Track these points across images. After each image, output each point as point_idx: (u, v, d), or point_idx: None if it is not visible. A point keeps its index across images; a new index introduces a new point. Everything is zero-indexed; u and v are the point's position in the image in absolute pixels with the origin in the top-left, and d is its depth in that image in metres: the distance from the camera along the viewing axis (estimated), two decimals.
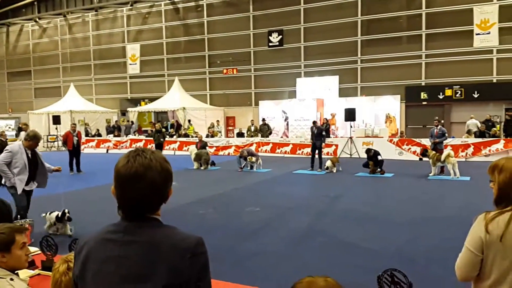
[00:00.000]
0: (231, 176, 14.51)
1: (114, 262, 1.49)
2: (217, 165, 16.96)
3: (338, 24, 25.30)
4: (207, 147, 17.96)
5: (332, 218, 8.23)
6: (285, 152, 20.55)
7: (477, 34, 22.24)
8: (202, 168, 16.31)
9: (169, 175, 1.59)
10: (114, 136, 25.81)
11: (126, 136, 25.53)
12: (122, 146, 24.21)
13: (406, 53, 23.94)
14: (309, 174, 14.62)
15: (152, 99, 28.72)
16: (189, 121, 25.28)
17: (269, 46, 27.35)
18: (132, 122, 27.50)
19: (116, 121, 28.86)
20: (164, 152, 19.57)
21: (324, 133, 16.13)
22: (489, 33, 22.02)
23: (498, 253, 2.01)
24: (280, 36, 26.98)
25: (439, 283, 4.75)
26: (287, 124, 24.97)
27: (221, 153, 21.70)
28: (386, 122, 23.02)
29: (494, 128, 19.80)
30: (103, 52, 32.97)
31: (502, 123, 20.63)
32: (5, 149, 6.83)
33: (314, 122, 16.31)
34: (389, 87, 24.14)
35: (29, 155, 6.88)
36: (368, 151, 14.51)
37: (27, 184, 6.88)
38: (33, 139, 6.88)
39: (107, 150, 24.71)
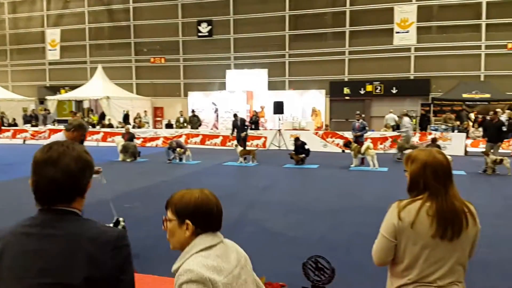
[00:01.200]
0: (160, 168, 14.24)
1: (31, 256, 1.45)
2: (145, 157, 16.54)
3: (267, 17, 25.63)
4: (134, 139, 17.44)
5: (260, 208, 8.39)
6: (215, 144, 20.52)
7: (397, 33, 23.62)
8: (128, 160, 15.81)
9: (86, 164, 1.57)
10: (32, 126, 24.21)
11: (45, 126, 24.05)
12: (40, 137, 22.75)
13: (331, 49, 24.84)
14: (238, 166, 14.74)
15: (73, 87, 27.24)
16: (91, 110, 24.48)
17: (199, 36, 27.06)
18: (49, 111, 25.91)
19: (33, 110, 27.07)
20: (87, 143, 18.71)
21: (246, 123, 16.44)
22: (408, 31, 23.48)
23: (409, 239, 2.15)
24: (210, 27, 26.78)
25: (359, 268, 5.04)
26: (217, 116, 24.93)
27: (148, 144, 21.17)
28: (312, 116, 23.79)
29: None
30: (20, 36, 30.69)
31: (418, 118, 22.20)
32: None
33: (235, 115, 16.60)
34: (315, 81, 24.95)
35: None
36: (296, 139, 15.05)
37: None
38: (77, 129, 5.42)
39: (24, 141, 23.14)
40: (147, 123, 24.29)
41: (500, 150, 13.84)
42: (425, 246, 2.13)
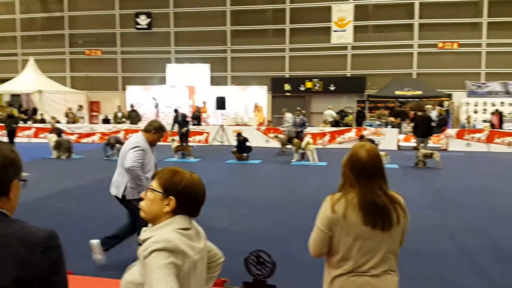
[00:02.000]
0: (97, 165, 13.70)
1: None
2: (81, 154, 15.84)
3: (208, 12, 25.40)
4: (62, 134, 16.66)
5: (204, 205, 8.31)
6: None
7: (334, 31, 24.29)
8: (63, 157, 15.08)
9: (9, 162, 1.49)
10: None
11: None
12: None
13: (272, 46, 25.08)
14: (180, 162, 14.52)
15: (2, 81, 25.48)
16: (11, 105, 23.32)
17: (137, 29, 26.28)
18: None
19: None
20: (18, 140, 17.63)
21: (188, 119, 16.33)
22: (345, 30, 24.22)
23: (343, 231, 2.22)
24: (149, 19, 26.09)
25: (300, 260, 5.14)
26: (158, 111, 24.36)
27: (84, 140, 20.31)
28: (254, 111, 23.94)
29: (347, 118, 21.98)
30: None
31: (355, 114, 23.03)
32: (135, 144, 4.86)
33: (176, 110, 16.42)
34: (257, 77, 25.11)
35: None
36: (238, 134, 15.09)
37: None
38: (159, 131, 5.03)
39: None
40: (82, 118, 23.30)
41: (431, 145, 14.68)
42: (357, 237, 2.20)
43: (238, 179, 11.66)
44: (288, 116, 17.34)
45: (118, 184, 4.94)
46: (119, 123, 21.52)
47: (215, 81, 25.25)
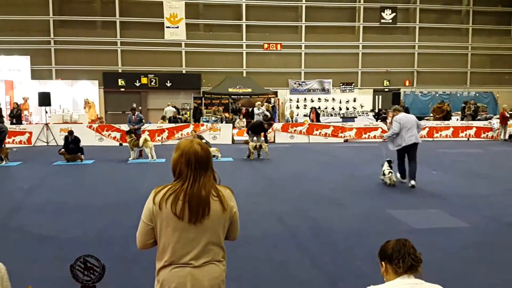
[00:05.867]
0: None
1: None
2: None
3: None
4: None
5: (26, 212, 7.53)
6: None
7: (167, 27, 24.22)
8: None
9: None
10: None
11: None
12: None
13: (101, 39, 23.84)
14: None
15: None
16: None
17: None
18: None
19: None
20: None
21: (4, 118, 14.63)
22: (178, 27, 24.34)
23: (163, 222, 2.28)
24: None
25: (136, 260, 5.08)
26: None
27: None
28: (85, 108, 22.46)
29: (185, 115, 22.24)
30: None
31: (192, 110, 23.42)
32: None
33: None
34: (87, 71, 23.61)
35: None
36: (70, 133, 13.86)
37: None
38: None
39: None
40: None
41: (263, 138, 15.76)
42: (175, 228, 2.26)
43: (68, 182, 10.81)
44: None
45: (418, 137, 9.21)
46: None
47: (37, 75, 22.90)
